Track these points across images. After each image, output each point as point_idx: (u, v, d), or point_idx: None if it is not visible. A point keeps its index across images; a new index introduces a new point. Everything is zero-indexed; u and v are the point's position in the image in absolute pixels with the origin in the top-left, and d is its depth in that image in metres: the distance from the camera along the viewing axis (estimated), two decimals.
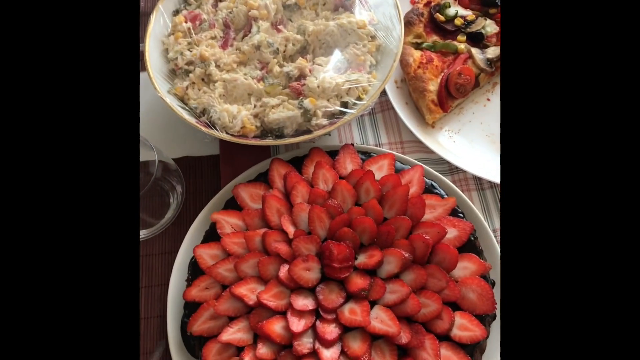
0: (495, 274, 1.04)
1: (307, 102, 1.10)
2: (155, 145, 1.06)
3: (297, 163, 1.12)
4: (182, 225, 1.18)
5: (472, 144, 1.24)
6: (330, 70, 1.14)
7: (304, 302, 0.94)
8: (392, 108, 1.26)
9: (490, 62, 1.27)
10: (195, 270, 1.03)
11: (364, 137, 1.28)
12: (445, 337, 0.93)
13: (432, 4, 1.33)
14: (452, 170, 1.21)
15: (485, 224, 1.08)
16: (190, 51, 1.18)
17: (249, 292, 0.95)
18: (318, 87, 1.11)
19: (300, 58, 1.16)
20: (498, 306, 0.98)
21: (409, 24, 1.31)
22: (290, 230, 1.01)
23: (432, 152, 1.21)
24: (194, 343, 0.98)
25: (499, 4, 1.34)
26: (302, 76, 1.14)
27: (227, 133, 1.10)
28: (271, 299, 0.94)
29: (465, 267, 0.98)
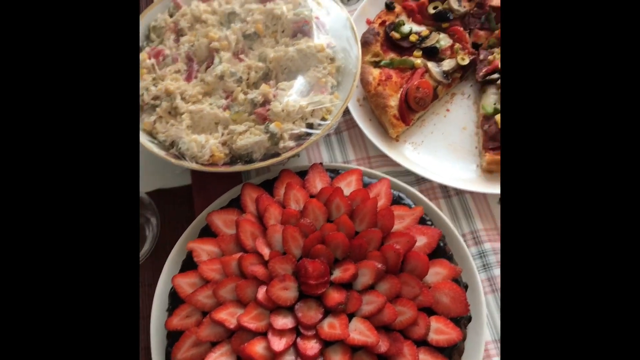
0: (467, 277, 1.08)
1: (272, 127, 1.13)
2: None
3: (269, 186, 1.15)
4: (160, 256, 1.19)
5: (436, 154, 1.29)
6: (293, 94, 1.18)
7: (283, 321, 0.96)
8: (357, 125, 1.30)
9: (446, 74, 1.33)
10: (175, 300, 1.05)
11: (332, 155, 1.31)
12: (423, 342, 0.95)
13: (387, 22, 1.39)
14: (419, 180, 1.26)
15: (454, 229, 1.12)
16: (156, 86, 1.21)
17: (229, 316, 0.97)
18: (282, 111, 1.14)
19: (263, 84, 1.20)
20: (481, 308, 1.02)
21: (366, 44, 1.36)
22: (266, 252, 1.03)
23: (398, 164, 1.25)
24: None
25: (450, 18, 1.40)
26: (266, 102, 1.18)
27: (196, 162, 1.12)
28: (251, 321, 0.96)
29: (437, 272, 1.01)
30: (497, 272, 1.13)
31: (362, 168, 1.18)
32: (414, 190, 1.16)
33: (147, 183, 1.30)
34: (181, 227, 1.23)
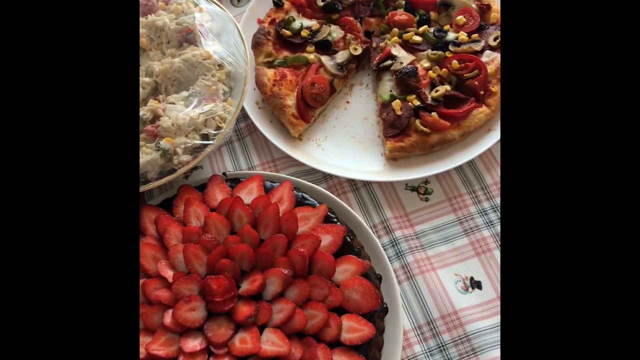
0: (380, 269, 1.07)
1: (164, 143, 1.09)
2: None
3: (168, 205, 1.11)
4: None
5: (341, 147, 1.28)
6: (184, 107, 1.14)
7: (193, 344, 0.93)
8: (257, 129, 1.28)
9: (341, 66, 1.32)
10: None
11: (236, 163, 1.28)
12: (337, 343, 0.94)
13: (277, 20, 1.36)
14: (326, 177, 1.24)
15: (362, 222, 1.11)
16: None
17: None
18: (173, 125, 1.10)
19: (151, 100, 1.15)
20: (396, 298, 1.02)
21: (258, 44, 1.33)
22: (169, 274, 1.00)
23: (303, 164, 1.23)
24: None
25: (340, 8, 1.39)
26: (156, 118, 1.14)
27: None
28: (160, 348, 0.93)
29: (345, 269, 1.00)
30: (410, 258, 1.13)
31: (263, 172, 1.15)
32: (319, 188, 1.15)
33: None
34: None
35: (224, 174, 1.17)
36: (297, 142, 1.28)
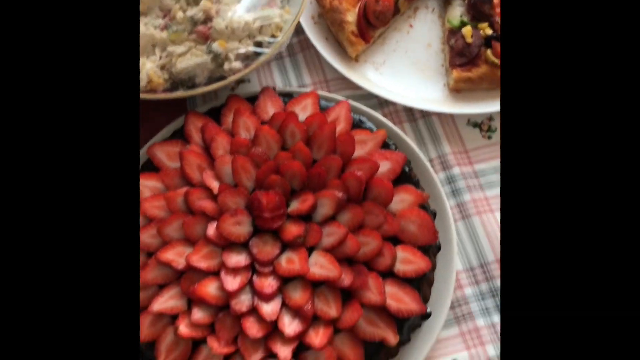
0: (435, 204, 1.00)
1: (216, 46, 1.00)
2: None
3: (216, 114, 1.03)
4: None
5: (400, 74, 1.18)
6: (238, 10, 1.04)
7: (237, 259, 0.87)
8: (312, 46, 1.18)
9: None
10: None
11: (286, 80, 1.20)
12: (389, 274, 0.89)
13: None
14: (382, 103, 1.15)
15: (420, 153, 1.03)
16: None
17: (176, 256, 0.88)
18: (226, 27, 1.01)
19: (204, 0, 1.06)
20: (451, 236, 0.96)
21: None
22: (214, 185, 0.93)
23: (359, 87, 1.14)
24: None
25: None
26: (208, 19, 1.04)
27: None
28: (201, 260, 0.87)
29: (402, 199, 0.94)
30: (467, 197, 1.06)
31: (319, 92, 1.07)
32: (376, 113, 1.06)
33: None
34: None
35: (273, 88, 1.09)
36: (353, 63, 1.18)
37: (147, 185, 0.96)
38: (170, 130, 1.06)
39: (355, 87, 1.15)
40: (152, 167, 0.99)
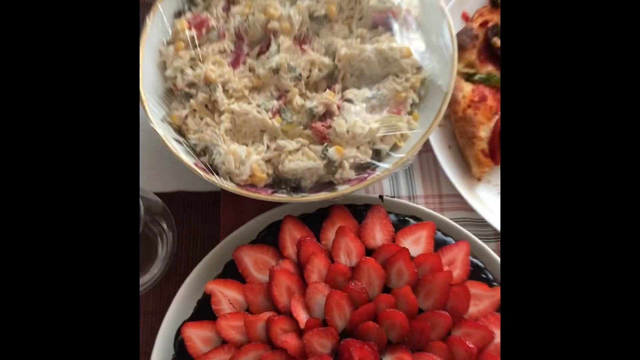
0: None
1: (332, 152, 0.89)
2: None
3: (314, 222, 0.92)
4: (170, 279, 0.99)
5: None
6: (363, 111, 0.92)
7: None
8: (431, 150, 1.05)
9: None
10: (182, 353, 0.85)
11: (395, 186, 1.07)
12: None
13: (490, 24, 1.10)
14: (497, 235, 1.01)
15: None
16: (193, 69, 0.96)
17: None
18: (347, 132, 0.90)
19: (327, 91, 0.94)
20: None
21: (459, 48, 1.07)
22: (302, 317, 0.82)
23: (474, 211, 1.00)
24: None
25: None
26: (328, 113, 0.93)
27: (231, 181, 0.90)
28: None
29: None
30: None
31: (434, 214, 0.94)
32: (495, 255, 0.93)
33: (164, 181, 1.06)
34: (201, 246, 1.03)
35: (380, 197, 0.97)
36: (474, 182, 1.05)
37: (227, 295, 0.86)
38: (263, 222, 0.94)
39: (471, 210, 1.01)
40: (236, 271, 0.89)
